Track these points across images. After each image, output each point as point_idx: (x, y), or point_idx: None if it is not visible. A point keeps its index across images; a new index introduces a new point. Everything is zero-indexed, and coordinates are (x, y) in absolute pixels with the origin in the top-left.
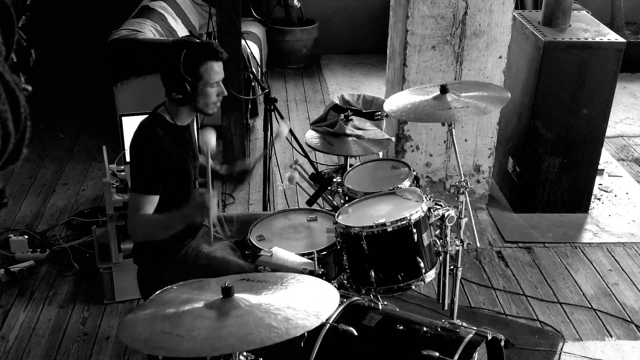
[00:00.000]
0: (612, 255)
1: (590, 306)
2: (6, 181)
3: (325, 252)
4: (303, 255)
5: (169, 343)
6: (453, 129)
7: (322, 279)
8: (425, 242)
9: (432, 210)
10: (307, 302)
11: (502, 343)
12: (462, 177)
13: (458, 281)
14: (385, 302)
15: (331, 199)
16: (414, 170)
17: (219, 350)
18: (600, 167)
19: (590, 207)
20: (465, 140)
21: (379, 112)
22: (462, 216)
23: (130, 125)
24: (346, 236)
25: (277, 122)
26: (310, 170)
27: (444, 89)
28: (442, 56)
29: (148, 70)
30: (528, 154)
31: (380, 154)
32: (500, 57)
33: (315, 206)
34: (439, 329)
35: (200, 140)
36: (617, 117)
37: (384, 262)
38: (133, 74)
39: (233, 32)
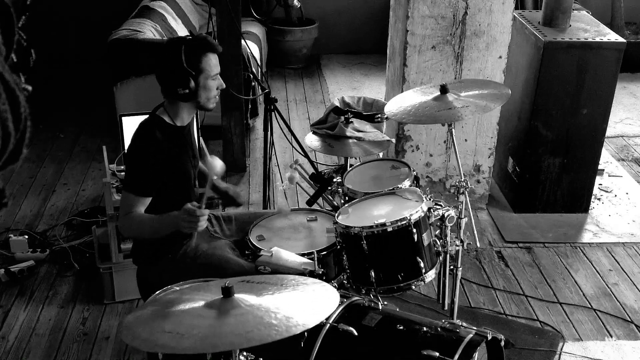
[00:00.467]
0: (612, 255)
1: (590, 306)
2: (6, 181)
3: (325, 252)
4: (303, 255)
5: (170, 341)
6: (453, 129)
7: (322, 279)
8: (425, 242)
9: (432, 210)
10: (307, 302)
11: (502, 343)
12: (462, 177)
13: (458, 281)
14: (385, 302)
15: (331, 199)
16: (414, 170)
17: (218, 348)
18: (600, 167)
19: (590, 207)
20: (465, 140)
21: (379, 115)
22: (462, 216)
23: (130, 125)
24: (346, 236)
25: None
26: (311, 170)
27: (444, 89)
28: (442, 56)
29: (148, 70)
30: (528, 154)
31: (381, 154)
32: (500, 57)
33: (315, 206)
34: (439, 329)
35: (207, 165)
36: (617, 117)
37: (384, 262)
38: (133, 74)
39: (233, 32)
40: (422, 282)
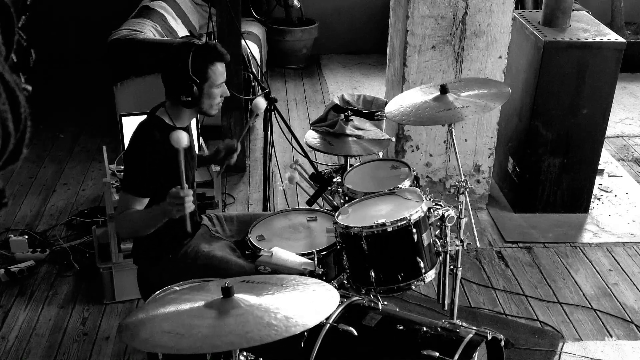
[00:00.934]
0: (612, 255)
1: (590, 306)
2: (6, 181)
3: (325, 252)
4: (303, 255)
5: (170, 341)
6: (453, 129)
7: (322, 279)
8: (425, 242)
9: (432, 210)
10: (307, 302)
11: (502, 343)
12: (462, 177)
13: (458, 281)
14: (385, 302)
15: (331, 199)
16: (414, 170)
17: (219, 348)
18: (600, 167)
19: (590, 207)
20: (465, 140)
21: (379, 113)
22: (462, 216)
23: (130, 125)
24: (346, 236)
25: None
26: (310, 170)
27: (444, 89)
28: (442, 56)
29: (148, 70)
30: (528, 154)
31: (380, 154)
32: (500, 57)
33: (315, 206)
34: (439, 329)
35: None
36: (617, 117)
37: (384, 262)
38: (133, 74)
39: (233, 32)
40: (422, 282)
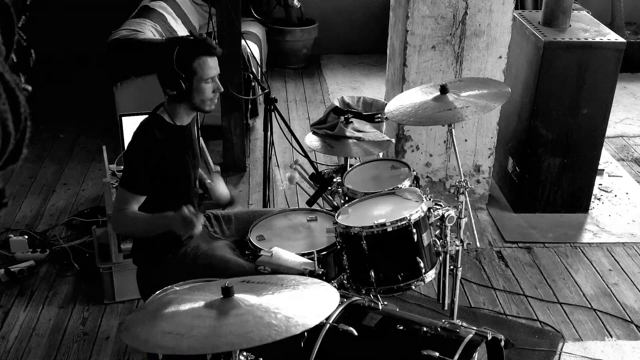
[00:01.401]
0: (612, 255)
1: (590, 306)
2: (6, 181)
3: (325, 252)
4: (303, 255)
5: (170, 341)
6: (453, 129)
7: (322, 279)
8: (425, 242)
9: (432, 210)
10: (307, 302)
11: (502, 343)
12: (462, 177)
13: (458, 281)
14: (385, 302)
15: (331, 199)
16: (413, 170)
17: (219, 348)
18: (600, 167)
19: (590, 207)
20: (465, 140)
21: (379, 115)
22: (462, 216)
23: (130, 125)
24: (346, 236)
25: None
26: (310, 170)
27: (444, 89)
28: (442, 56)
29: (148, 70)
30: (528, 154)
31: (380, 154)
32: (500, 57)
33: (315, 206)
34: (439, 329)
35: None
36: (617, 117)
37: (383, 262)
38: (133, 74)
39: (233, 32)
40: (422, 282)
